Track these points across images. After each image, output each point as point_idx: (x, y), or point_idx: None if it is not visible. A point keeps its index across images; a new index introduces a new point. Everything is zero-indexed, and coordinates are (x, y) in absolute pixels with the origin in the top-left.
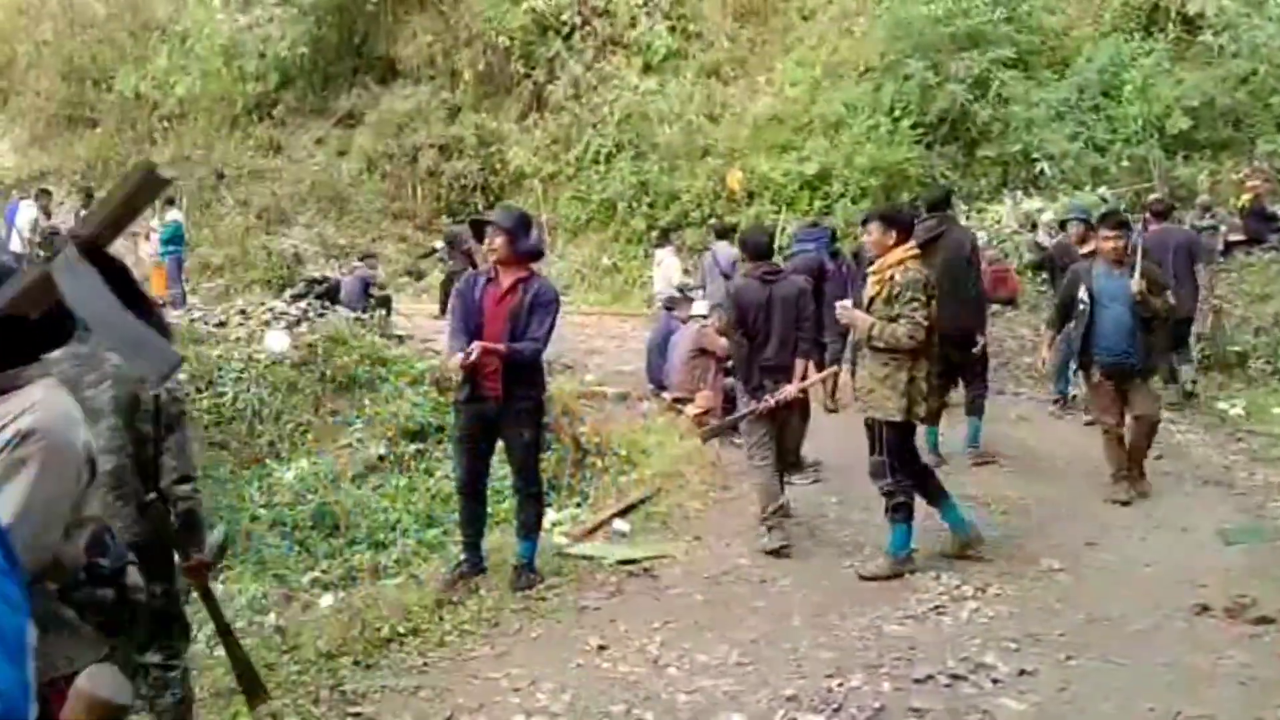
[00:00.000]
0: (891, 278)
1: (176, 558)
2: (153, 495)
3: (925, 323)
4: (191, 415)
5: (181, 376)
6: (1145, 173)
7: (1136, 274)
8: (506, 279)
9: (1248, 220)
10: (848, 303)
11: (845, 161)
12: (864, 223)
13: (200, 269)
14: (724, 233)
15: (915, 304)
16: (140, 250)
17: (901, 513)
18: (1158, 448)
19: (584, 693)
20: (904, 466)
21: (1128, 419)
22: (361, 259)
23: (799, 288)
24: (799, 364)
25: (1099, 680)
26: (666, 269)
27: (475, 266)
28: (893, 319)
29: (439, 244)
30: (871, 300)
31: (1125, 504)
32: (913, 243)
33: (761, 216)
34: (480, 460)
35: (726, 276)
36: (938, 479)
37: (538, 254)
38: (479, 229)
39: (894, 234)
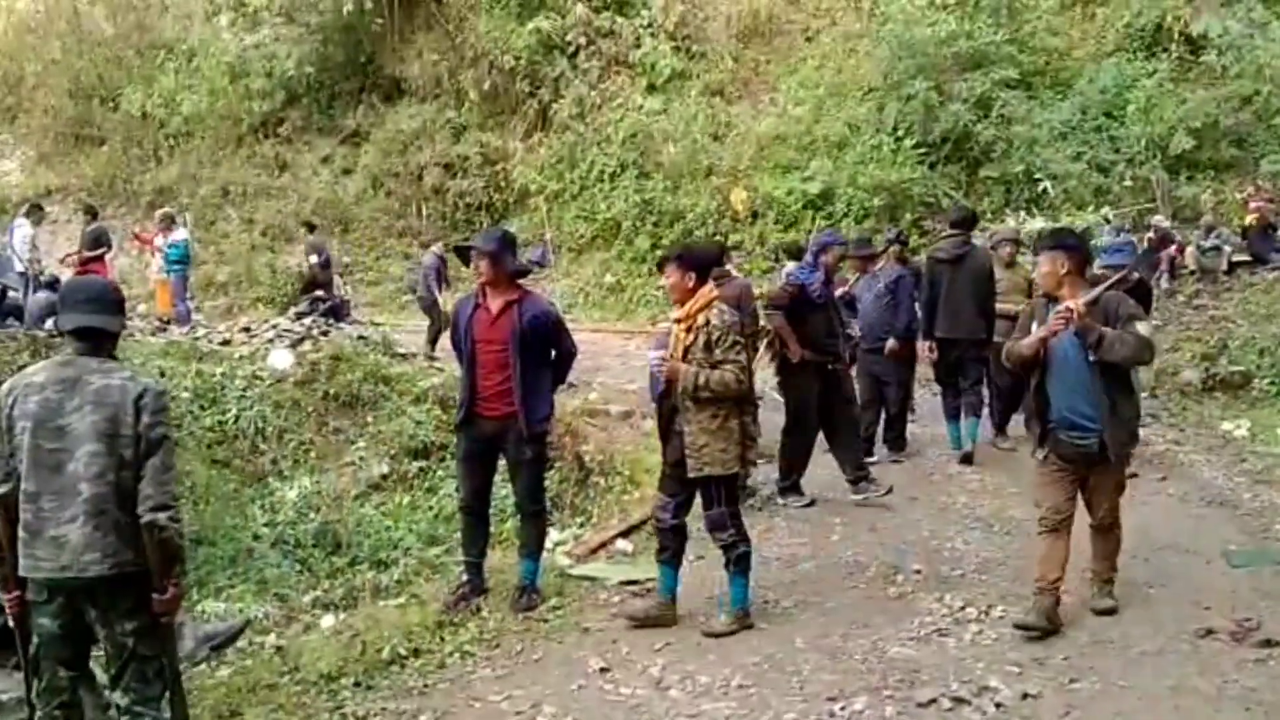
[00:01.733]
0: (708, 322)
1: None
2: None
3: (746, 365)
4: (192, 434)
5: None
6: (1148, 193)
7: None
8: (495, 302)
9: (1252, 240)
10: (664, 353)
11: (849, 181)
12: (660, 266)
13: (205, 286)
14: (796, 253)
15: (737, 347)
16: (150, 268)
17: (744, 564)
18: (1161, 469)
19: (586, 715)
20: (738, 515)
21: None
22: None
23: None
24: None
25: (1103, 704)
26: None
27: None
28: (715, 365)
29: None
30: (687, 349)
31: (1039, 635)
32: (711, 284)
33: (765, 235)
34: (483, 479)
35: None
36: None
37: (524, 273)
38: (464, 255)
39: (693, 276)
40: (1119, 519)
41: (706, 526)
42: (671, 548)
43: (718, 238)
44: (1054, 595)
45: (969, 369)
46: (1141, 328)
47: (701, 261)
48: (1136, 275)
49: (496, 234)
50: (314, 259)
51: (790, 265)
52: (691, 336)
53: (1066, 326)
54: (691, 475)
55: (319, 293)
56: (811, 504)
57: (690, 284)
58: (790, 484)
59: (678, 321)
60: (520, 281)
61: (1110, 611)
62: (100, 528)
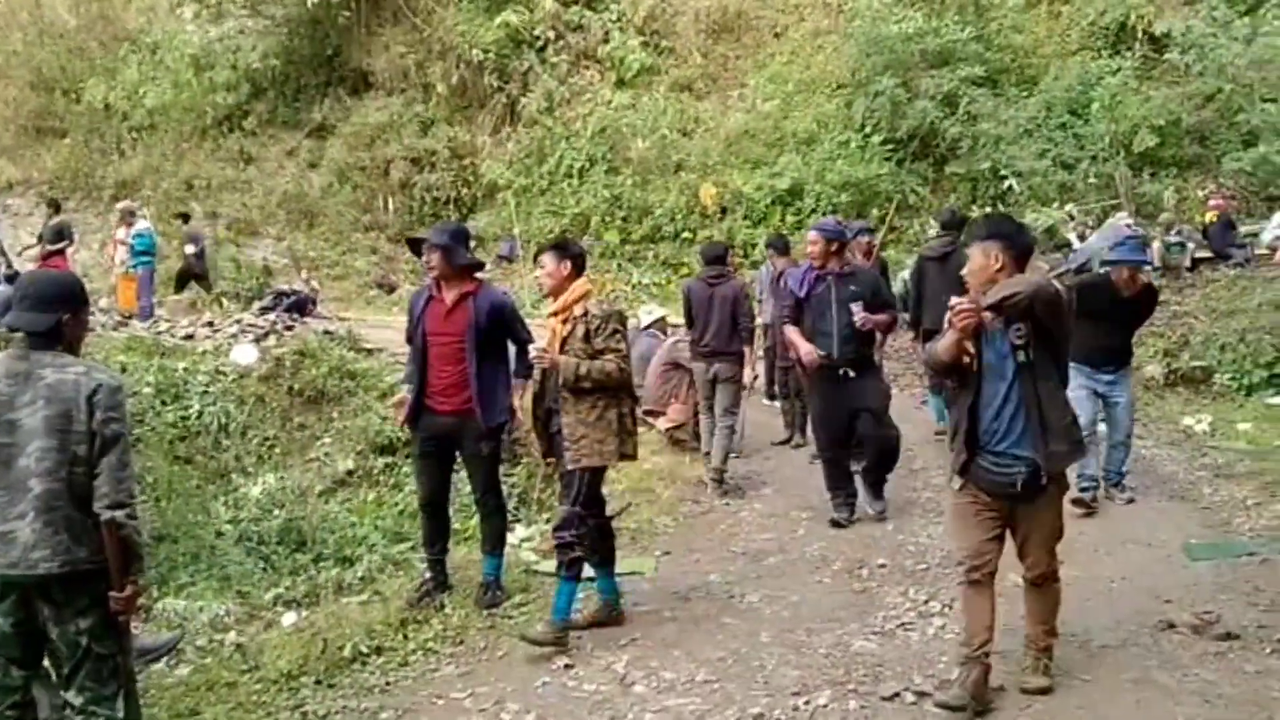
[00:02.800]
0: (586, 312)
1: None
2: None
3: (626, 354)
4: (154, 430)
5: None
6: (1112, 189)
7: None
8: (450, 294)
9: (1213, 237)
10: (537, 346)
11: (817, 177)
12: (535, 257)
13: (168, 281)
14: (783, 247)
15: (617, 335)
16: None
17: (576, 569)
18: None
19: (550, 712)
20: (595, 515)
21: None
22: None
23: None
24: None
25: (1065, 697)
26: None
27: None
28: (595, 354)
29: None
30: (565, 340)
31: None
32: (585, 277)
33: (734, 232)
34: (440, 477)
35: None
36: (614, 541)
37: (477, 266)
38: (416, 247)
39: (568, 265)
40: (1056, 570)
41: (556, 524)
42: (601, 550)
43: (686, 234)
44: (981, 666)
45: None
46: None
47: (576, 253)
48: (1145, 278)
49: (449, 227)
50: (190, 249)
51: (781, 262)
52: (569, 327)
53: (976, 326)
54: (569, 467)
55: (283, 287)
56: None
57: (566, 274)
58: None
59: (553, 314)
60: (482, 276)
61: (1044, 691)
62: (51, 524)
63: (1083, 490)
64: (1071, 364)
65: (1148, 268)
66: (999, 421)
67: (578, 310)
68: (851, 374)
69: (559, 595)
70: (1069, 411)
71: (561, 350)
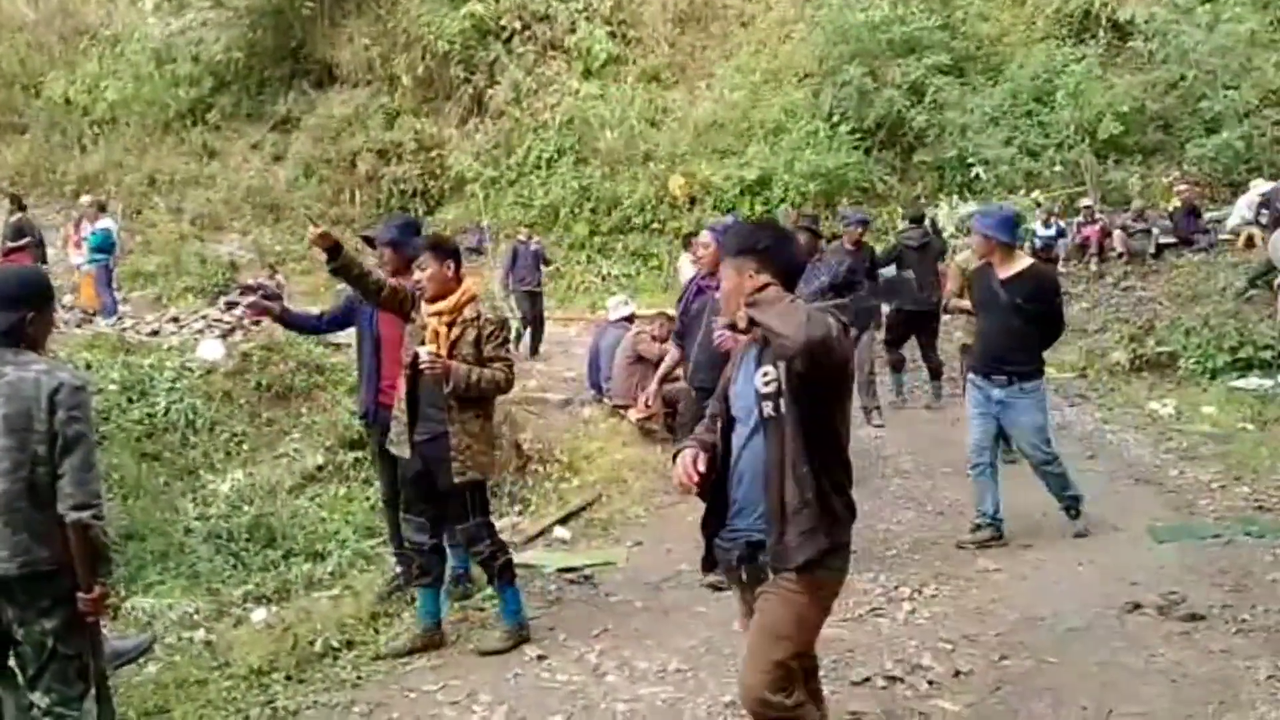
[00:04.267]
0: (478, 315)
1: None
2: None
3: (511, 361)
4: (121, 427)
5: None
6: (1077, 177)
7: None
8: (466, 278)
9: (1177, 223)
10: (428, 349)
11: (786, 167)
12: (371, 243)
13: (132, 276)
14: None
15: (506, 343)
16: (71, 259)
17: (509, 572)
18: (1090, 448)
19: (522, 704)
20: (492, 525)
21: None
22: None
23: None
24: None
25: (1032, 680)
26: (687, 274)
27: None
28: (484, 362)
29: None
30: (454, 344)
31: None
32: (469, 278)
33: (704, 222)
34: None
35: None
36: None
37: None
38: (370, 243)
39: (451, 265)
40: (769, 700)
41: (462, 540)
42: (433, 571)
43: (655, 225)
44: None
45: (925, 334)
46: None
47: (455, 251)
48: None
49: (398, 221)
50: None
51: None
52: (458, 331)
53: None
54: (456, 480)
55: (250, 281)
56: None
57: (449, 274)
58: None
59: (437, 315)
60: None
61: None
62: (10, 525)
63: (974, 529)
64: (970, 372)
65: (1026, 246)
66: (731, 485)
67: (468, 313)
68: None
69: (506, 601)
70: (821, 490)
71: (450, 355)
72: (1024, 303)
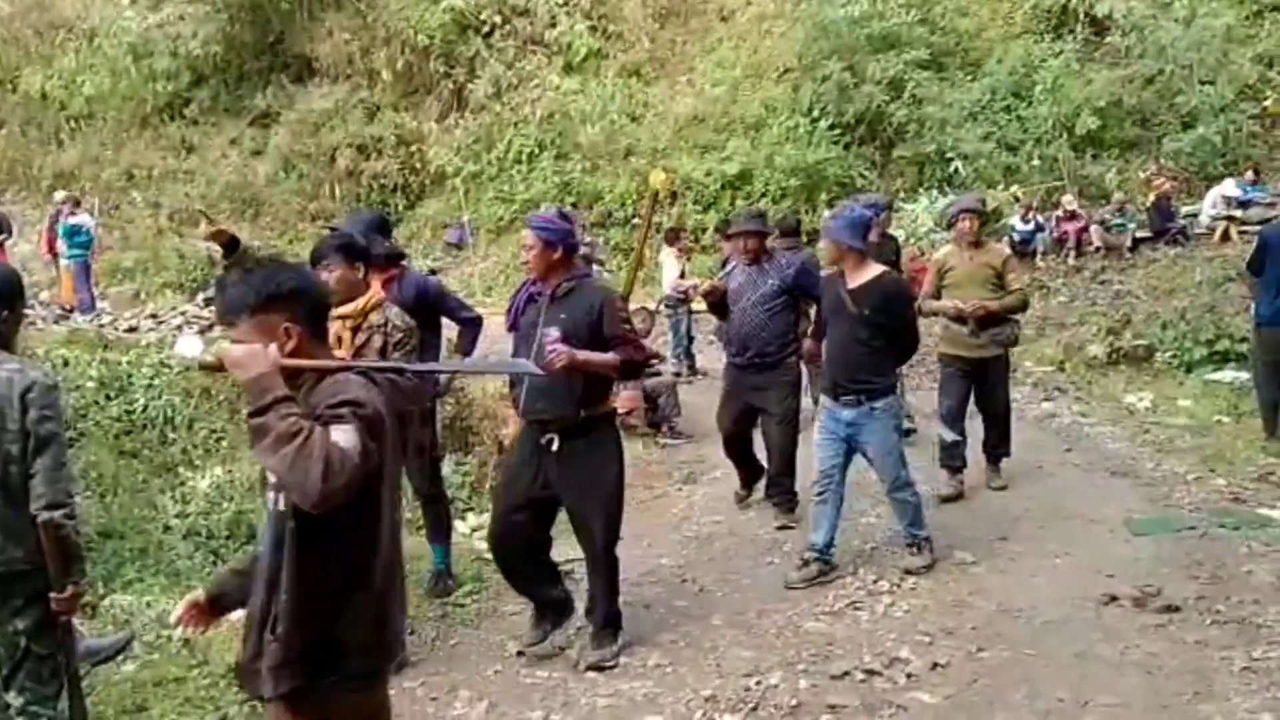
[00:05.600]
0: (386, 322)
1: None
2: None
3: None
4: (98, 424)
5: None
6: (1056, 171)
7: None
8: (375, 279)
9: (1153, 217)
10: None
11: (766, 162)
12: (318, 261)
13: (110, 272)
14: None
15: (413, 351)
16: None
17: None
18: (1067, 441)
19: (502, 700)
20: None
21: None
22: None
23: None
24: None
25: (1009, 671)
26: (668, 270)
27: None
28: None
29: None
30: (359, 350)
31: None
32: (377, 283)
33: (684, 217)
34: None
35: None
36: None
37: (399, 255)
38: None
39: (361, 268)
40: None
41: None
42: None
43: (636, 219)
44: None
45: None
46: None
47: (364, 253)
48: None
49: (362, 219)
50: None
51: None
52: (363, 337)
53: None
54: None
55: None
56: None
57: (358, 277)
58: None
59: (342, 319)
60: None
61: None
62: None
63: (801, 565)
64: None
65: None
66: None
67: (375, 319)
68: (555, 445)
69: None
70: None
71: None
72: (872, 314)
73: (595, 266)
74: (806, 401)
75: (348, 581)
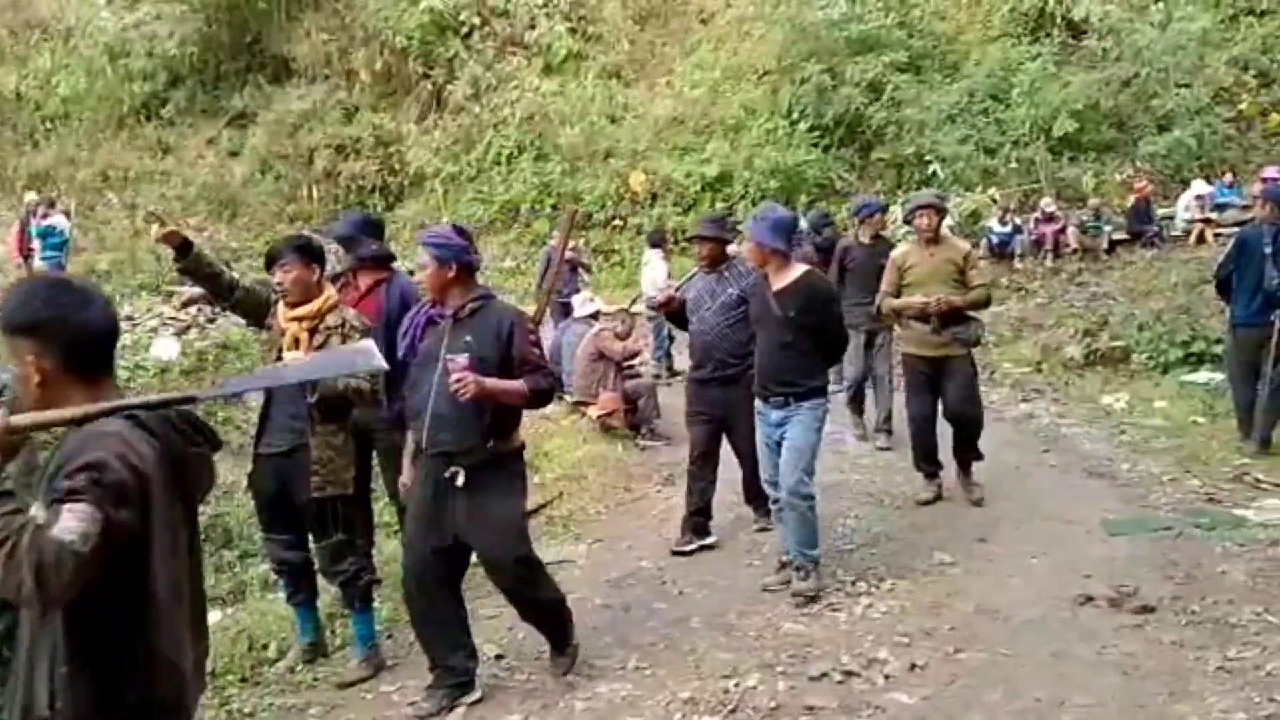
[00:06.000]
0: (343, 323)
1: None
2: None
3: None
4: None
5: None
6: (1033, 174)
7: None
8: (365, 280)
9: (1130, 220)
10: (296, 354)
11: (745, 164)
12: (274, 262)
13: (86, 274)
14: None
15: None
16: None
17: (368, 597)
18: (1044, 441)
19: (481, 702)
20: (354, 542)
21: None
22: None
23: None
24: None
25: (987, 672)
26: (653, 271)
27: None
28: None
29: None
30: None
31: None
32: (331, 288)
33: (664, 218)
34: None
35: None
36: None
37: (388, 257)
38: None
39: (316, 269)
40: None
41: (322, 561)
42: (305, 590)
43: (616, 221)
44: None
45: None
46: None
47: (320, 254)
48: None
49: (352, 219)
50: None
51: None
52: (320, 339)
53: None
54: (314, 495)
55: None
56: None
57: (314, 276)
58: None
59: (298, 320)
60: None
61: None
62: None
63: (780, 567)
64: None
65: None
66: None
67: (331, 320)
68: (460, 480)
69: (360, 626)
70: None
71: None
72: (797, 315)
73: (580, 270)
74: None
75: (125, 643)
